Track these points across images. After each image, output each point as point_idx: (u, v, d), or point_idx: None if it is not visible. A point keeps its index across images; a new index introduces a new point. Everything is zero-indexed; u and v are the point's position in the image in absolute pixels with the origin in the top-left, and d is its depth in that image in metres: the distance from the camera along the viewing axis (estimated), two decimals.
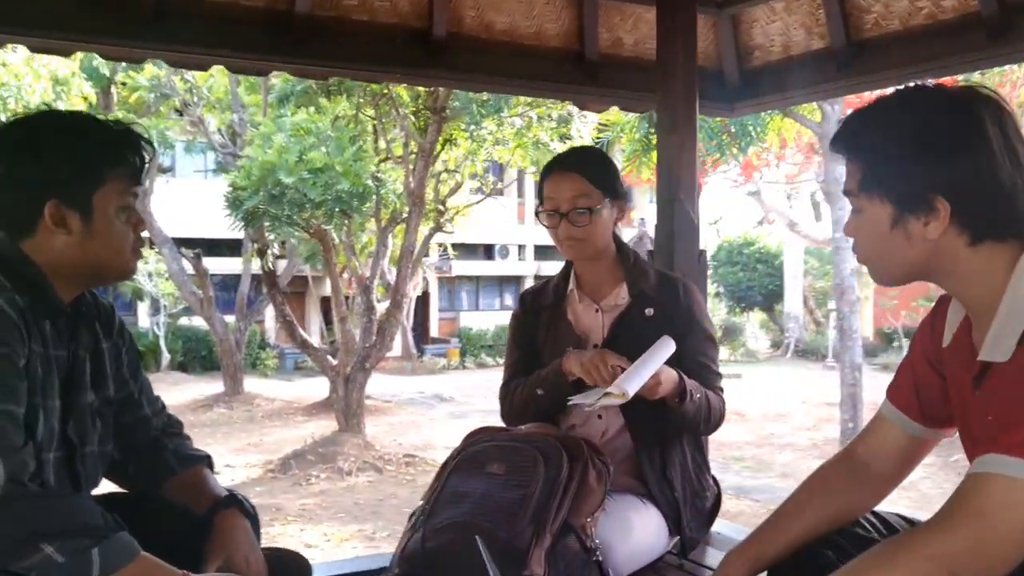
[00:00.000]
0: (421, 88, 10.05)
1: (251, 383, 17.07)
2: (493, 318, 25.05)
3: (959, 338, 1.46)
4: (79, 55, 9.67)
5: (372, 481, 9.98)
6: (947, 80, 2.80)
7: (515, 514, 1.86)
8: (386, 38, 3.01)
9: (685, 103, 3.00)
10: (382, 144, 11.77)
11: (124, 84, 13.82)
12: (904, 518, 1.63)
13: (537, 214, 2.37)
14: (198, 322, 18.31)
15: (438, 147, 11.00)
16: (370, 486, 9.79)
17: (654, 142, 9.77)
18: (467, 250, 23.29)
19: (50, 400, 1.54)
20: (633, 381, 1.99)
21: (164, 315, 19.94)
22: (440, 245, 17.68)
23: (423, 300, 23.59)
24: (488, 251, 26.70)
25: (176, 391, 15.81)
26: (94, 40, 2.69)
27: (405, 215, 11.33)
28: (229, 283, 19.55)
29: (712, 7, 3.35)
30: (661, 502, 2.26)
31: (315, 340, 14.43)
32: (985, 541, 1.27)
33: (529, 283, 23.76)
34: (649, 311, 2.31)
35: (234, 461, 10.60)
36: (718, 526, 2.53)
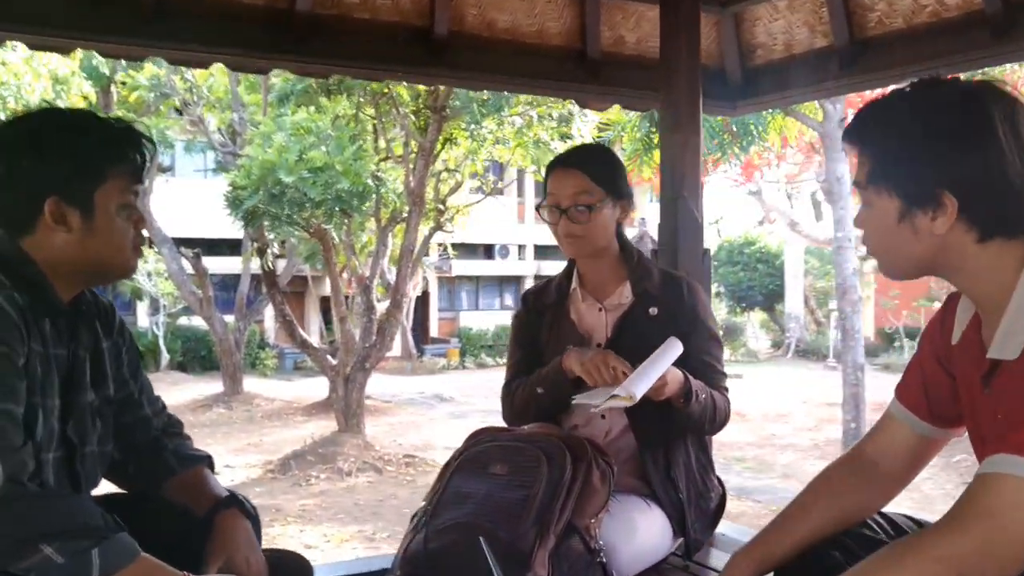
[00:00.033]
0: (421, 87, 10.04)
1: (250, 383, 17.06)
2: (493, 318, 25.06)
3: (968, 336, 1.45)
4: (79, 53, 9.69)
5: (372, 482, 9.97)
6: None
7: (518, 515, 1.85)
8: (387, 36, 3.01)
9: (688, 101, 2.99)
10: (382, 143, 11.76)
11: (124, 83, 13.80)
12: (912, 519, 1.62)
13: (538, 209, 2.37)
14: (197, 322, 18.30)
15: (438, 146, 11.00)
16: (370, 487, 9.78)
17: (655, 141, 9.83)
18: (467, 250, 23.29)
19: (50, 399, 1.53)
20: (641, 384, 1.97)
21: (163, 315, 19.94)
22: (440, 245, 17.66)
23: (423, 300, 23.59)
24: (488, 251, 26.70)
25: (175, 391, 15.80)
26: (94, 38, 2.68)
27: (405, 214, 11.32)
28: (228, 283, 19.55)
29: (715, 5, 3.34)
30: (665, 503, 2.25)
31: (315, 340, 14.41)
32: (994, 542, 1.26)
33: (529, 283, 23.76)
34: (653, 310, 2.30)
35: (233, 461, 10.59)
36: (723, 527, 2.51)
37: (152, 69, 12.96)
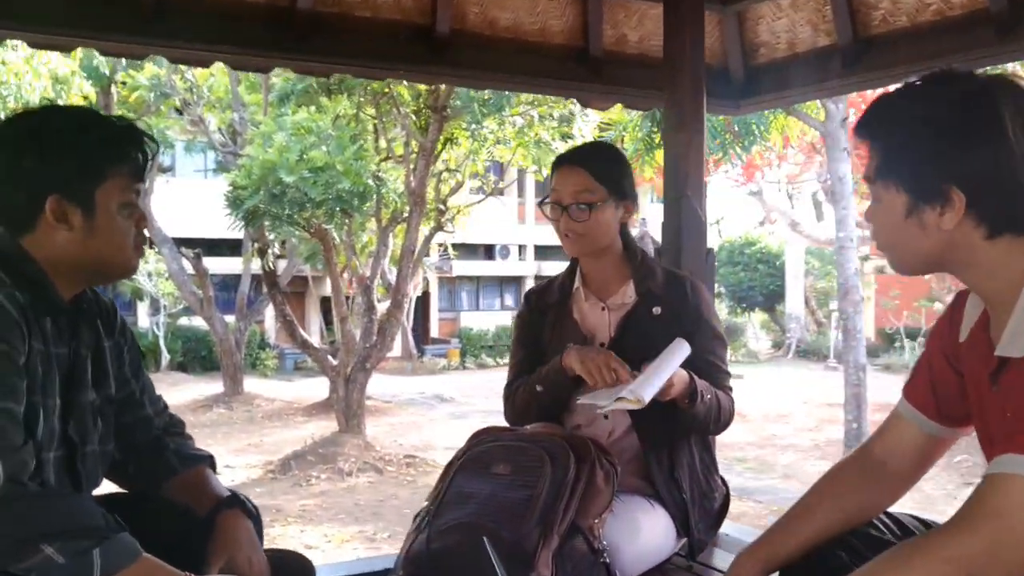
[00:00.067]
0: (422, 87, 10.03)
1: (251, 383, 17.06)
2: (493, 318, 25.06)
3: (976, 334, 1.44)
4: (79, 52, 9.69)
5: (372, 482, 9.97)
6: None
7: (521, 515, 1.84)
8: (389, 35, 3.00)
9: (692, 99, 2.98)
10: (383, 143, 11.75)
11: (124, 83, 13.79)
12: (918, 519, 1.61)
13: (541, 204, 2.37)
14: (198, 322, 18.30)
15: (439, 146, 10.99)
16: (371, 487, 9.77)
17: (657, 141, 9.84)
18: (467, 250, 23.29)
19: (50, 399, 1.52)
20: (649, 387, 1.96)
21: (164, 315, 19.94)
22: (440, 245, 17.66)
23: (423, 300, 23.59)
24: (488, 251, 26.70)
25: (176, 391, 15.80)
26: (95, 36, 2.67)
27: (406, 214, 11.31)
28: (229, 283, 19.54)
29: (717, 4, 3.33)
30: (669, 503, 2.24)
31: (315, 340, 14.41)
32: (1003, 543, 1.25)
33: (530, 283, 23.77)
34: (656, 310, 2.29)
35: (234, 462, 10.58)
36: (726, 527, 2.50)
37: (152, 69, 12.95)
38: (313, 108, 10.60)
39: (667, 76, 3.04)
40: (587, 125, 10.97)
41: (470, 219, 13.93)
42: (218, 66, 12.35)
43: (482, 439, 2.08)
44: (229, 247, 18.26)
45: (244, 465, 10.60)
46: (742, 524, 3.44)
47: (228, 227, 11.12)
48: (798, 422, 13.67)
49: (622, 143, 10.36)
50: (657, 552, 2.19)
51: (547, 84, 3.57)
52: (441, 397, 16.59)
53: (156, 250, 15.16)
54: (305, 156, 9.86)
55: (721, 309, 24.35)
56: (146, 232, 1.69)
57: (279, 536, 7.43)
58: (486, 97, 10.14)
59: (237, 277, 17.83)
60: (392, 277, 11.86)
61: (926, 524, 1.59)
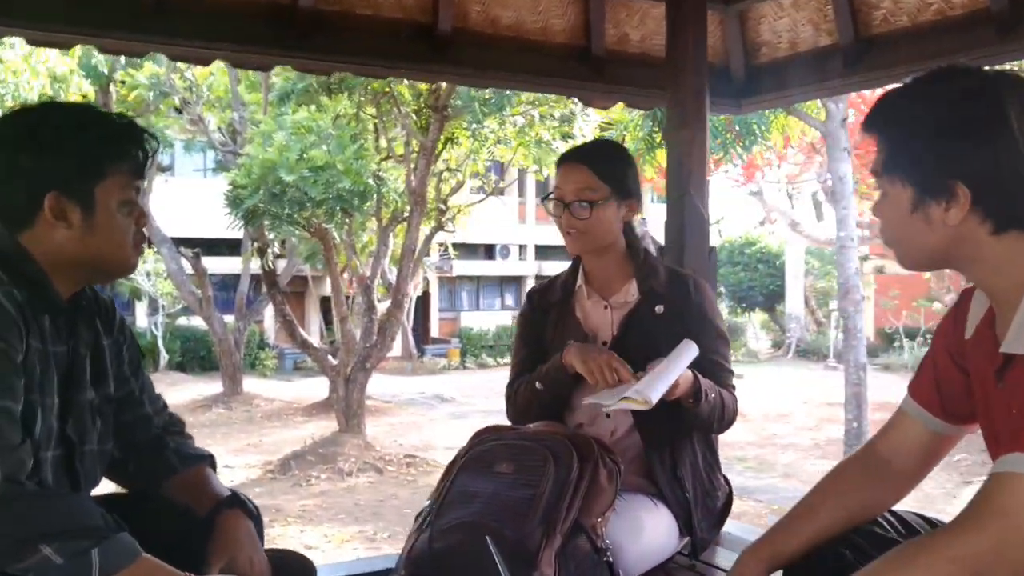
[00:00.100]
0: (423, 86, 10.03)
1: (250, 383, 17.05)
2: (494, 318, 25.06)
3: (981, 330, 1.44)
4: (78, 50, 9.67)
5: (373, 482, 9.96)
6: None
7: (524, 514, 1.83)
8: (390, 33, 2.99)
9: (695, 98, 2.97)
10: (383, 142, 11.74)
11: (123, 82, 13.78)
12: (922, 517, 1.60)
13: (544, 200, 2.36)
14: (197, 322, 18.29)
15: (440, 146, 10.98)
16: (371, 487, 9.76)
17: (658, 140, 9.84)
18: (468, 250, 23.28)
19: (49, 397, 1.51)
20: (656, 388, 1.95)
21: (162, 315, 19.92)
22: (441, 245, 17.66)
23: (424, 300, 23.59)
24: (489, 251, 26.69)
25: (174, 391, 15.78)
26: (94, 33, 2.66)
27: (406, 214, 11.30)
28: (228, 283, 19.53)
29: (719, 3, 3.33)
30: (672, 502, 2.23)
31: (315, 340, 14.40)
32: (1009, 542, 1.24)
33: (530, 283, 23.76)
34: (659, 308, 2.28)
35: (233, 462, 10.57)
36: (729, 526, 2.50)
37: (151, 68, 12.93)
38: (313, 107, 10.58)
39: (670, 75, 3.03)
40: (588, 125, 10.96)
41: (470, 219, 13.92)
42: (218, 65, 12.34)
43: (485, 438, 2.07)
44: (228, 247, 18.25)
45: (243, 465, 10.59)
46: (742, 523, 3.44)
47: (227, 226, 11.10)
48: (798, 421, 13.68)
49: (623, 143, 10.35)
50: (660, 551, 2.18)
51: (549, 83, 3.56)
52: (441, 397, 16.58)
53: (155, 250, 15.15)
54: (305, 155, 9.85)
55: (721, 309, 24.29)
56: (145, 231, 1.68)
57: (279, 536, 7.43)
58: (487, 96, 10.13)
59: (236, 277, 17.82)
60: (392, 277, 11.85)
61: (930, 522, 1.58)
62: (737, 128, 10.23)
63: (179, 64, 12.19)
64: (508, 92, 9.87)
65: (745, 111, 3.86)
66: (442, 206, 12.59)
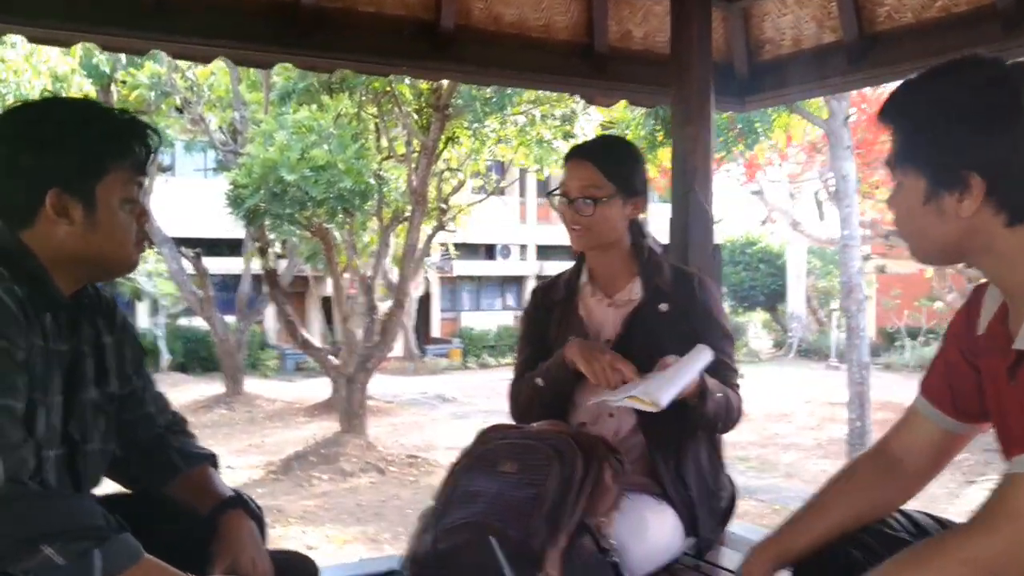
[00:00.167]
0: (424, 85, 10.02)
1: (252, 384, 17.04)
2: (495, 318, 25.05)
3: (994, 327, 1.42)
4: (79, 50, 9.66)
5: (375, 482, 9.95)
6: None
7: (529, 514, 1.81)
8: (393, 30, 2.98)
9: (700, 95, 2.96)
10: (384, 142, 11.73)
11: (124, 82, 13.76)
12: (932, 517, 1.59)
13: (550, 195, 2.36)
14: (198, 322, 18.28)
15: (441, 145, 10.97)
16: (373, 487, 9.75)
17: (659, 139, 9.82)
18: (469, 250, 23.28)
19: (51, 396, 1.49)
20: (667, 392, 1.93)
21: (164, 315, 19.91)
22: (442, 245, 17.66)
23: (425, 300, 23.58)
24: (490, 251, 26.68)
25: (176, 392, 15.74)
26: (94, 30, 2.65)
27: (407, 214, 11.30)
28: (229, 283, 19.51)
29: (722, 0, 3.32)
30: (676, 502, 2.21)
31: (316, 341, 14.39)
32: (1023, 543, 1.22)
33: (531, 283, 23.75)
34: (663, 307, 2.27)
35: (235, 462, 10.56)
36: (734, 526, 2.48)
37: (153, 67, 12.93)
38: (315, 107, 10.57)
39: (674, 72, 3.02)
40: (590, 124, 10.95)
41: (471, 219, 13.91)
42: (219, 65, 12.29)
43: (489, 437, 2.05)
44: (229, 247, 18.25)
45: (245, 466, 10.58)
46: (747, 523, 3.42)
47: (229, 226, 11.10)
48: (800, 421, 13.68)
49: None
50: (665, 551, 2.17)
51: (551, 80, 3.55)
52: (443, 397, 16.58)
53: (156, 250, 15.14)
54: (306, 155, 9.84)
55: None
56: (146, 228, 1.67)
57: (281, 537, 7.42)
58: (488, 96, 10.12)
59: (237, 277, 17.82)
60: (393, 277, 11.84)
61: (940, 522, 1.57)
62: (739, 126, 10.22)
63: (180, 64, 12.19)
64: (509, 91, 9.87)
65: (748, 108, 3.85)
66: (443, 206, 12.59)
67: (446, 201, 12.69)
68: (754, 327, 25.50)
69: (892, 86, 1.42)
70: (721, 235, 23.90)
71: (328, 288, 14.79)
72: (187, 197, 19.50)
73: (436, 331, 25.32)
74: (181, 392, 16.19)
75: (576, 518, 1.84)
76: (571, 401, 2.30)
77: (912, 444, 1.57)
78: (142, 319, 20.91)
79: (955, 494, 8.48)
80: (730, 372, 2.28)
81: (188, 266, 15.16)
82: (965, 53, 2.79)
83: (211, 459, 1.83)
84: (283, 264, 16.04)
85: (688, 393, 2.05)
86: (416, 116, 10.89)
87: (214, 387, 16.54)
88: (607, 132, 10.75)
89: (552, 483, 1.85)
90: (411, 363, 21.37)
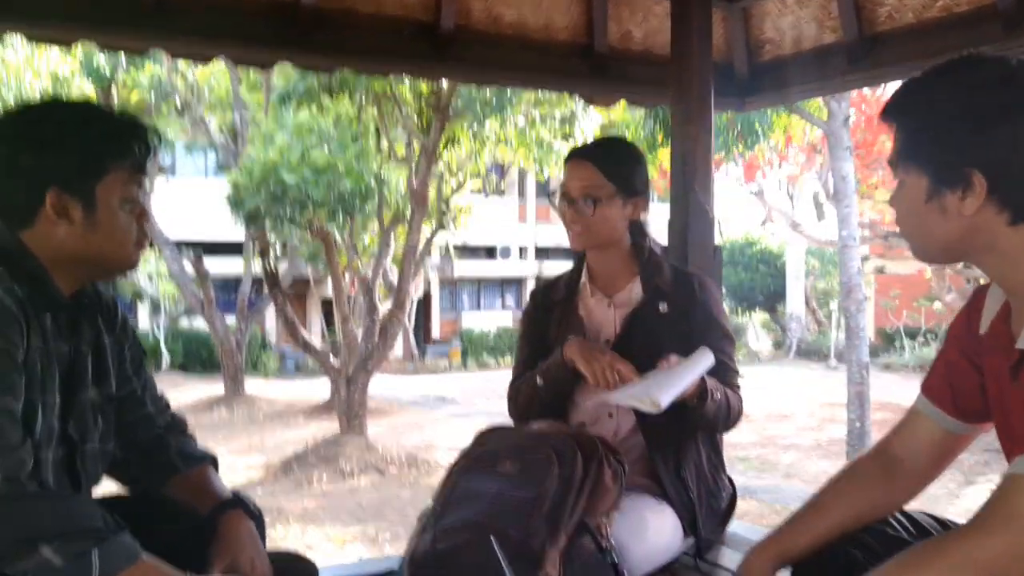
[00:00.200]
0: (424, 87, 10.02)
1: (252, 385, 17.04)
2: (495, 319, 25.05)
3: (996, 326, 1.42)
4: (79, 52, 9.66)
5: (374, 482, 9.95)
6: None
7: (528, 514, 1.81)
8: (393, 31, 2.98)
9: (699, 95, 2.96)
10: (385, 143, 11.74)
11: (125, 84, 13.77)
12: (933, 517, 1.58)
13: (550, 196, 2.36)
14: (199, 323, 18.29)
15: (441, 146, 10.97)
16: (373, 487, 9.75)
17: (659, 140, 9.82)
18: (469, 251, 23.28)
19: (50, 396, 1.49)
20: (668, 394, 1.93)
21: (165, 316, 19.92)
22: (442, 246, 17.65)
23: (425, 301, 23.59)
24: (490, 252, 26.69)
25: (176, 392, 15.75)
26: (94, 30, 2.65)
27: (407, 215, 11.30)
28: (230, 284, 19.53)
29: (723, 0, 3.31)
30: (676, 502, 2.21)
31: (316, 341, 14.40)
32: None
33: (531, 284, 23.76)
34: (663, 307, 2.26)
35: (236, 463, 10.56)
36: (734, 526, 2.48)
37: (153, 69, 12.94)
38: (315, 108, 10.58)
39: (674, 72, 3.02)
40: (589, 125, 10.95)
41: (471, 219, 13.91)
42: (219, 66, 12.27)
43: (488, 437, 2.06)
44: (230, 248, 18.26)
45: (245, 466, 10.58)
46: (746, 523, 3.42)
47: (230, 228, 11.10)
48: (800, 421, 13.68)
49: None
50: (665, 551, 2.16)
51: (551, 81, 3.55)
52: (443, 398, 16.58)
53: (157, 251, 15.14)
54: (307, 156, 9.85)
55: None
56: (146, 228, 1.67)
57: (280, 537, 7.42)
58: (488, 97, 10.12)
59: (238, 278, 17.84)
60: (394, 278, 11.84)
61: (941, 522, 1.56)
62: (739, 127, 10.22)
63: (181, 65, 12.19)
64: (509, 93, 9.86)
65: (748, 109, 3.85)
66: (443, 207, 12.58)
67: (446, 202, 12.69)
68: (753, 328, 25.50)
69: (892, 86, 1.42)
70: (721, 236, 24.00)
71: (328, 289, 14.77)
72: (188, 198, 19.52)
73: (436, 332, 25.33)
74: (182, 393, 16.20)
75: (576, 518, 1.84)
76: (570, 401, 2.30)
77: (913, 444, 1.57)
78: (143, 320, 20.93)
79: (955, 494, 8.48)
80: (730, 373, 2.27)
81: (189, 267, 15.17)
82: (968, 52, 2.80)
83: (210, 460, 1.83)
84: (283, 265, 16.05)
85: (688, 394, 2.05)
86: (416, 117, 10.89)
87: (214, 388, 16.55)
88: (607, 133, 10.76)
89: (552, 483, 1.85)
90: (411, 364, 21.38)
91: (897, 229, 1.46)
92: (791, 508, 1.64)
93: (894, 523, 1.54)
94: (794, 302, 24.33)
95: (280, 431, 13.21)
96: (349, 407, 11.46)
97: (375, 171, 10.66)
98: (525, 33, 3.21)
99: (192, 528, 1.67)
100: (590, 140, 2.46)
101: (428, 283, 21.33)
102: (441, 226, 12.86)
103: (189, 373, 20.06)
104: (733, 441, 11.17)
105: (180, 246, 15.19)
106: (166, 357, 19.88)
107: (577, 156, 2.30)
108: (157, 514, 1.70)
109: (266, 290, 13.15)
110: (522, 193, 26.13)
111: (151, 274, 18.33)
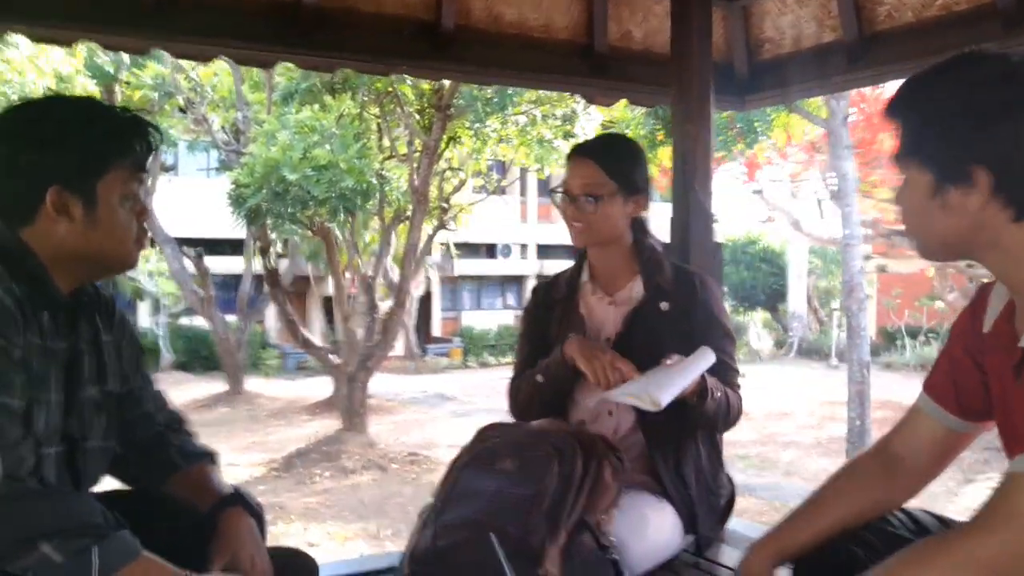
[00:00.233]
0: (426, 86, 10.02)
1: (253, 383, 17.04)
2: (495, 317, 25.03)
3: (1000, 325, 1.41)
4: (82, 50, 9.66)
5: (376, 480, 9.96)
6: None
7: (528, 511, 1.81)
8: (393, 30, 2.99)
9: (699, 94, 2.96)
10: (386, 142, 11.72)
11: (128, 83, 13.77)
12: (934, 515, 1.58)
13: (551, 192, 2.36)
14: (199, 322, 18.27)
15: (442, 145, 10.96)
16: (374, 485, 9.76)
17: (659, 139, 9.82)
18: (469, 249, 23.25)
19: (49, 393, 1.49)
20: (667, 392, 1.93)
21: (165, 315, 19.91)
22: (443, 244, 17.64)
23: (425, 299, 23.56)
24: (490, 250, 26.67)
25: (178, 391, 15.74)
26: (95, 29, 2.66)
27: (409, 213, 11.29)
28: (230, 282, 19.50)
29: (722, 0, 3.32)
30: (676, 500, 2.22)
31: (317, 339, 14.39)
32: None
33: (531, 282, 23.72)
34: (664, 305, 2.27)
35: (237, 460, 10.57)
36: (733, 524, 2.49)
37: (156, 68, 12.94)
38: (317, 107, 10.57)
39: (674, 71, 3.03)
40: (590, 123, 10.94)
41: (472, 218, 13.91)
42: (222, 66, 12.25)
43: (488, 435, 2.06)
44: (231, 246, 18.23)
45: (247, 463, 10.58)
46: (746, 520, 3.43)
47: (231, 226, 11.10)
48: (800, 420, 13.67)
49: None
50: (665, 548, 2.17)
51: (552, 80, 3.55)
52: (443, 396, 16.58)
53: (158, 249, 15.15)
54: (308, 154, 9.83)
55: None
56: (146, 226, 1.67)
57: (282, 534, 7.43)
58: (489, 96, 10.12)
59: (239, 276, 17.81)
60: (394, 276, 11.84)
61: (942, 520, 1.56)
62: (739, 125, 10.22)
63: (184, 64, 12.19)
64: (510, 91, 9.86)
65: (748, 107, 3.85)
66: (444, 205, 12.58)
67: (447, 200, 12.68)
68: (755, 326, 25.46)
69: (892, 85, 1.42)
70: (722, 234, 24.00)
71: (329, 287, 14.77)
72: (190, 197, 19.50)
73: (437, 330, 25.31)
74: (183, 391, 16.20)
75: (576, 516, 1.84)
76: (571, 399, 2.30)
77: (915, 442, 1.57)
78: (144, 318, 20.91)
79: (955, 492, 8.47)
80: (731, 372, 2.28)
81: (190, 265, 15.17)
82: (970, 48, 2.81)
83: (210, 457, 1.83)
84: (284, 264, 16.04)
85: (688, 393, 2.06)
86: (418, 116, 10.88)
87: (215, 386, 16.54)
88: (608, 131, 10.76)
89: (552, 481, 1.85)
90: (412, 362, 21.37)
91: (899, 227, 1.46)
92: (791, 506, 1.64)
93: (894, 520, 1.54)
94: (796, 301, 24.30)
95: (281, 429, 13.21)
96: (350, 405, 11.46)
97: (377, 169, 10.65)
98: (525, 32, 3.22)
99: (192, 525, 1.67)
100: (591, 137, 2.46)
101: (429, 281, 21.29)
102: (442, 224, 12.85)
103: (190, 371, 20.05)
104: (733, 439, 11.14)
105: (181, 244, 15.18)
106: (167, 355, 19.86)
107: (579, 153, 2.31)
108: (157, 511, 1.71)
109: (267, 288, 13.15)
110: (523, 192, 26.10)
111: (152, 272, 18.31)
